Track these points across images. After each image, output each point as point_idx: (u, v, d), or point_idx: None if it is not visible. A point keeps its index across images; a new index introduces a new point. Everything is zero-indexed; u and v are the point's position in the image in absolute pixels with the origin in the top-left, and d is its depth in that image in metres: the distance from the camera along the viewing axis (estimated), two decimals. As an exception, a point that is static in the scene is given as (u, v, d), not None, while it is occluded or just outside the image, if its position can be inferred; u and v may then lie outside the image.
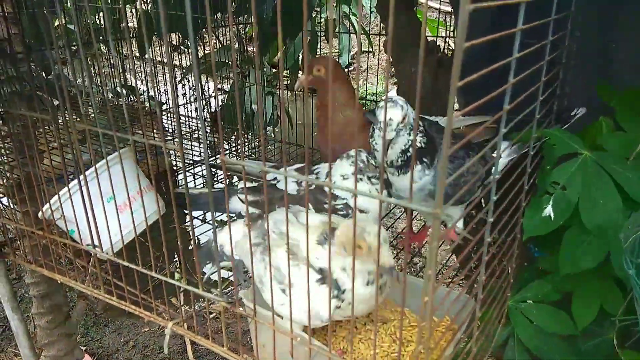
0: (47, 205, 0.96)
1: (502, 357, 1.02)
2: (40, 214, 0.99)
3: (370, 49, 4.22)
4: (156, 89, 2.31)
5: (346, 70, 2.58)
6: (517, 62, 0.61)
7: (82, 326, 2.74)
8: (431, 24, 2.70)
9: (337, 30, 3.12)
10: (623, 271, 0.76)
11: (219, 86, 2.95)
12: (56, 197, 0.93)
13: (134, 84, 3.00)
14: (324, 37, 3.14)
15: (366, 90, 4.86)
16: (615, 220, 0.84)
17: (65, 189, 0.91)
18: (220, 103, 2.66)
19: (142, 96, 3.04)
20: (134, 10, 2.63)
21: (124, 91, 2.76)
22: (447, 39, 1.87)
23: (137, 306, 0.88)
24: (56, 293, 1.81)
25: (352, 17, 3.45)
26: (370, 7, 3.35)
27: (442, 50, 1.57)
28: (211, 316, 2.58)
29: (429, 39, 1.64)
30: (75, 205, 0.89)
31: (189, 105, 2.63)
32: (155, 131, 2.00)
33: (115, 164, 0.86)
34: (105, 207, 0.83)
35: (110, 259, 0.84)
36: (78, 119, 1.21)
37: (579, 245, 0.88)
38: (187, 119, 2.56)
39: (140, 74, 2.85)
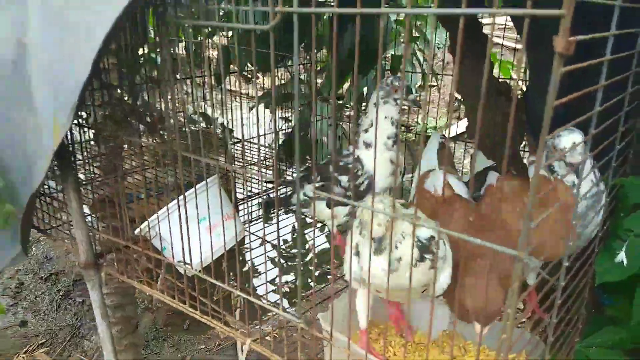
0: (145, 223, 1.05)
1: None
2: (137, 230, 1.08)
3: (435, 84, 4.26)
4: (226, 117, 2.43)
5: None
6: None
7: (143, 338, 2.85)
8: (504, 65, 2.72)
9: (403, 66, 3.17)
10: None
11: (284, 116, 3.05)
12: (155, 215, 1.03)
13: (208, 112, 3.16)
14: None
15: (427, 124, 4.88)
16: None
17: (164, 209, 1.00)
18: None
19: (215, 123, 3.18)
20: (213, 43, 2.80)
21: (199, 118, 2.91)
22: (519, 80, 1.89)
23: (218, 321, 0.94)
24: (128, 305, 1.92)
25: (418, 53, 3.51)
26: (437, 44, 3.40)
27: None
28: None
29: (500, 80, 1.67)
30: (168, 224, 0.97)
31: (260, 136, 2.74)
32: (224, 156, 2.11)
33: (210, 186, 0.95)
34: (197, 226, 0.91)
35: (199, 276, 0.91)
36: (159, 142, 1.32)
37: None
38: (249, 145, 2.68)
39: (212, 101, 2.99)
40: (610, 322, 1.01)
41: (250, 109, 3.16)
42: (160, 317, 2.96)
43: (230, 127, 2.79)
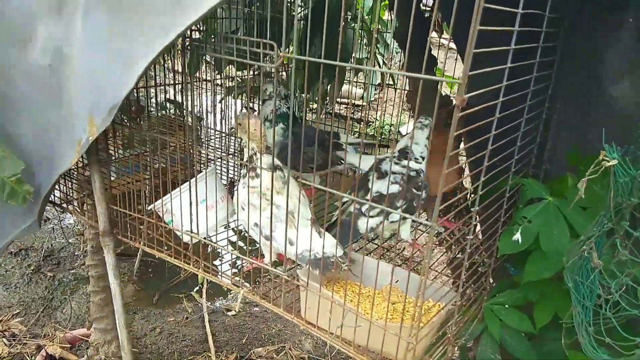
0: (159, 201, 1.30)
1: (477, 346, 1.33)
2: (152, 206, 1.33)
3: (392, 83, 4.57)
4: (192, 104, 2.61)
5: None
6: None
7: (114, 311, 3.06)
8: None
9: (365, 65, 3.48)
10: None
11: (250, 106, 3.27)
12: (168, 195, 1.28)
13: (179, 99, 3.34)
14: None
15: (384, 121, 5.21)
16: (565, 247, 1.15)
17: (177, 190, 1.25)
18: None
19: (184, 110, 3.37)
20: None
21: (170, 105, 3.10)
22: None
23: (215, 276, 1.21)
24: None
25: (379, 56, 3.82)
26: (395, 48, 3.70)
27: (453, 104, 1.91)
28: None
29: (444, 93, 1.97)
30: (178, 202, 1.23)
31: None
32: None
33: (208, 175, 1.22)
34: (199, 206, 1.17)
35: (204, 241, 1.18)
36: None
37: (541, 262, 1.20)
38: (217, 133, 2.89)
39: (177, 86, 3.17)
40: (511, 287, 1.33)
41: (220, 100, 3.37)
42: (128, 291, 3.15)
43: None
